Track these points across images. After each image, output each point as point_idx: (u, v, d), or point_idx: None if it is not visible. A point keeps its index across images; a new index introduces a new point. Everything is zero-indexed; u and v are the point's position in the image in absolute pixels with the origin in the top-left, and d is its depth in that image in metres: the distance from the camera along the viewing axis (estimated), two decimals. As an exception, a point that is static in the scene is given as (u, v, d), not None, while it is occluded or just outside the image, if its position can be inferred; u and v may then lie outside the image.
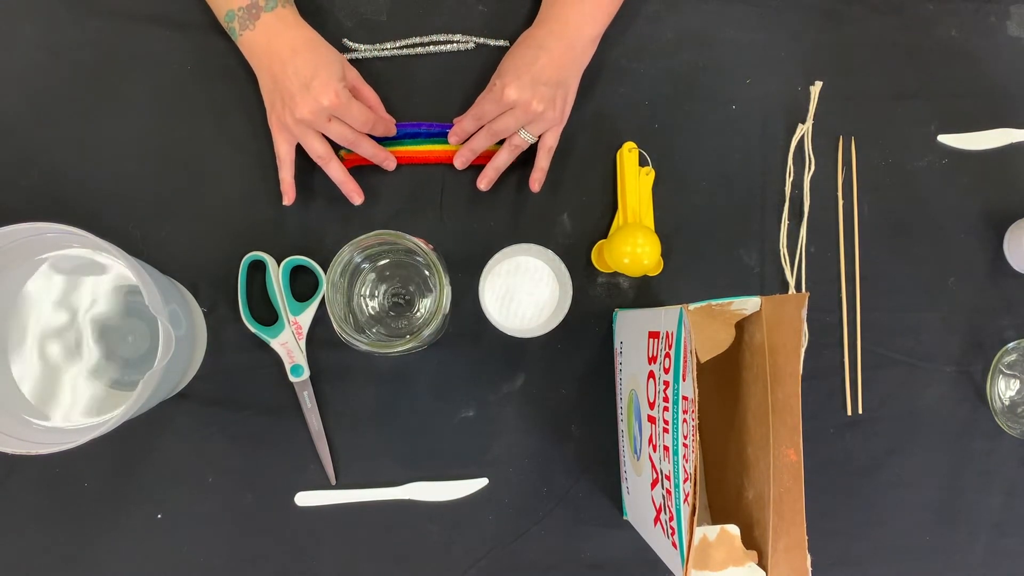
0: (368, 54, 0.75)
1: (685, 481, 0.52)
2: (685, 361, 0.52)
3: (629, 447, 0.69)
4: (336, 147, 0.73)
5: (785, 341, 0.53)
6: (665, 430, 0.56)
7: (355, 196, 0.72)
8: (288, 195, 0.71)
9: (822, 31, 0.78)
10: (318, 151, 0.69)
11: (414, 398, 0.74)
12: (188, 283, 0.72)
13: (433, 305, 0.64)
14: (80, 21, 0.74)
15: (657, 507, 0.59)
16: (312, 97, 0.65)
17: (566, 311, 0.70)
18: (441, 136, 0.73)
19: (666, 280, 0.75)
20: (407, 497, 0.73)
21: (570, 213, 0.75)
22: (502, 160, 0.72)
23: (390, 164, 0.72)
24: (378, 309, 0.69)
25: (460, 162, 0.72)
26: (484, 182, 0.73)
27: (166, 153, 0.74)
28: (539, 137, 0.71)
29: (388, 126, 0.72)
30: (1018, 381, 0.79)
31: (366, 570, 0.73)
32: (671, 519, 0.55)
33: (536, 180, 0.72)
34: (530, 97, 0.68)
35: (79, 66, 0.74)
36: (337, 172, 0.71)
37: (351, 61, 0.74)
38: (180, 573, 0.72)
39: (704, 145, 0.77)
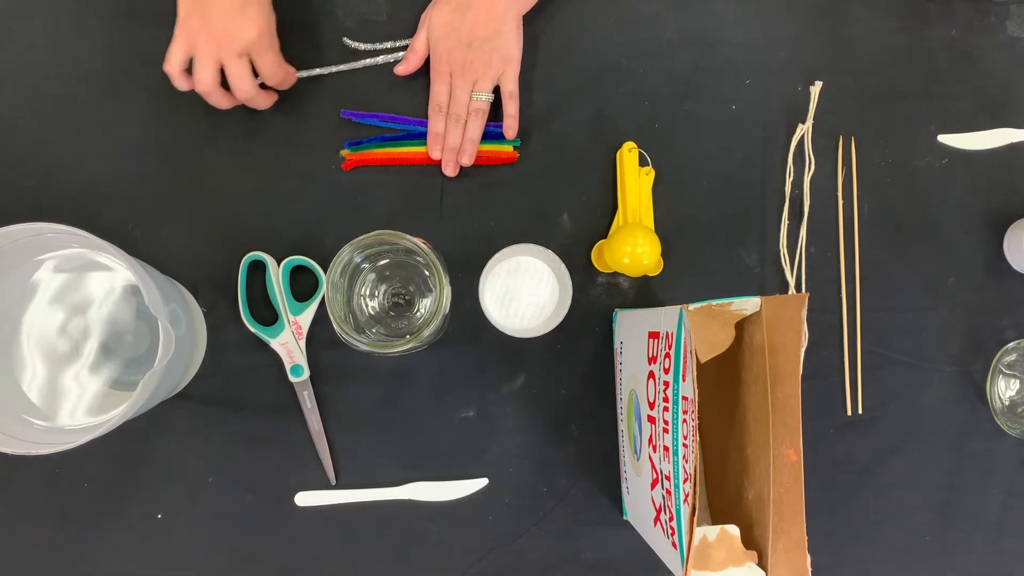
0: (376, 59, 0.74)
1: (685, 481, 0.52)
2: (685, 361, 0.52)
3: (629, 447, 0.69)
4: (337, 146, 0.73)
5: (785, 341, 0.53)
6: (665, 430, 0.56)
7: (264, 102, 0.70)
8: (177, 82, 0.67)
9: (822, 31, 0.78)
10: (205, 80, 0.66)
11: (414, 398, 0.74)
12: (188, 283, 0.72)
13: (433, 305, 0.64)
14: (80, 21, 0.74)
15: (657, 507, 0.59)
16: (236, 24, 0.64)
17: (566, 311, 0.70)
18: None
19: (666, 280, 0.75)
20: (407, 497, 0.73)
21: (570, 213, 0.75)
22: (473, 131, 0.72)
23: (262, 101, 0.70)
24: (378, 309, 0.69)
25: (448, 170, 0.73)
26: (465, 157, 0.72)
27: (166, 153, 0.74)
28: (496, 92, 0.72)
29: (290, 77, 0.71)
30: (1018, 381, 0.79)
31: (366, 570, 0.73)
32: (671, 519, 0.55)
33: (508, 127, 0.73)
34: (462, 60, 0.68)
35: (79, 66, 0.74)
36: (224, 100, 0.68)
37: (351, 60, 0.74)
38: (180, 573, 0.72)
39: (704, 145, 0.77)
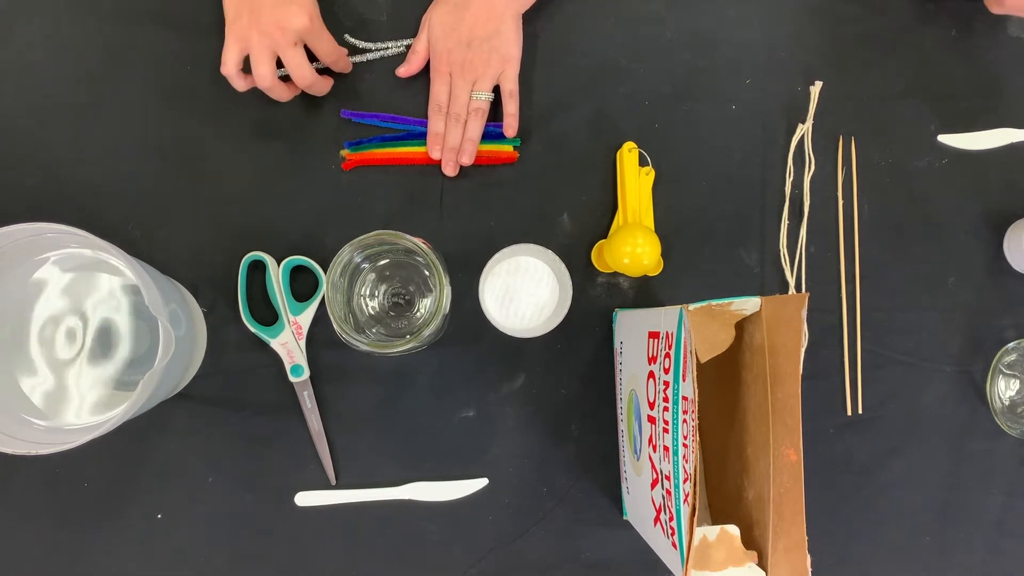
0: (375, 55, 0.74)
1: (685, 481, 0.52)
2: (685, 361, 0.52)
3: (629, 447, 0.69)
4: (337, 146, 0.73)
5: (785, 341, 0.53)
6: (665, 430, 0.56)
7: (324, 86, 0.71)
8: (236, 82, 0.68)
9: (822, 31, 0.78)
10: (266, 76, 0.66)
11: (414, 398, 0.74)
12: (188, 283, 0.72)
13: (433, 305, 0.64)
14: (80, 21, 0.74)
15: (657, 507, 0.59)
16: (285, 13, 0.64)
17: (566, 311, 0.70)
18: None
19: (666, 280, 0.75)
20: (407, 497, 0.73)
21: (570, 213, 0.75)
22: (473, 130, 0.72)
23: (322, 86, 0.71)
24: (378, 309, 0.69)
25: (448, 170, 0.73)
26: (465, 157, 0.72)
27: (166, 153, 0.74)
28: (496, 92, 0.73)
29: (347, 62, 0.72)
30: (1018, 381, 0.79)
31: (366, 570, 0.73)
32: (671, 519, 0.55)
33: (508, 126, 0.73)
34: (461, 59, 0.69)
35: (79, 66, 0.74)
36: (286, 92, 0.69)
37: (352, 60, 0.74)
38: (180, 573, 0.72)
39: (704, 145, 0.77)
